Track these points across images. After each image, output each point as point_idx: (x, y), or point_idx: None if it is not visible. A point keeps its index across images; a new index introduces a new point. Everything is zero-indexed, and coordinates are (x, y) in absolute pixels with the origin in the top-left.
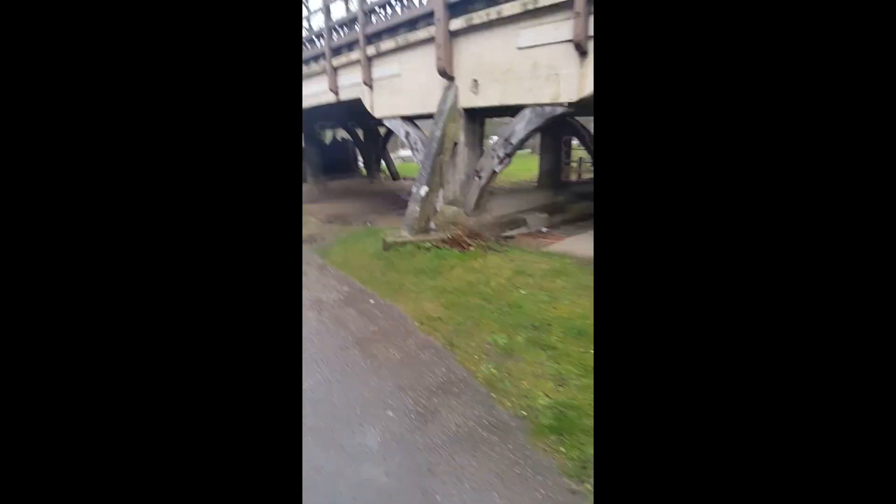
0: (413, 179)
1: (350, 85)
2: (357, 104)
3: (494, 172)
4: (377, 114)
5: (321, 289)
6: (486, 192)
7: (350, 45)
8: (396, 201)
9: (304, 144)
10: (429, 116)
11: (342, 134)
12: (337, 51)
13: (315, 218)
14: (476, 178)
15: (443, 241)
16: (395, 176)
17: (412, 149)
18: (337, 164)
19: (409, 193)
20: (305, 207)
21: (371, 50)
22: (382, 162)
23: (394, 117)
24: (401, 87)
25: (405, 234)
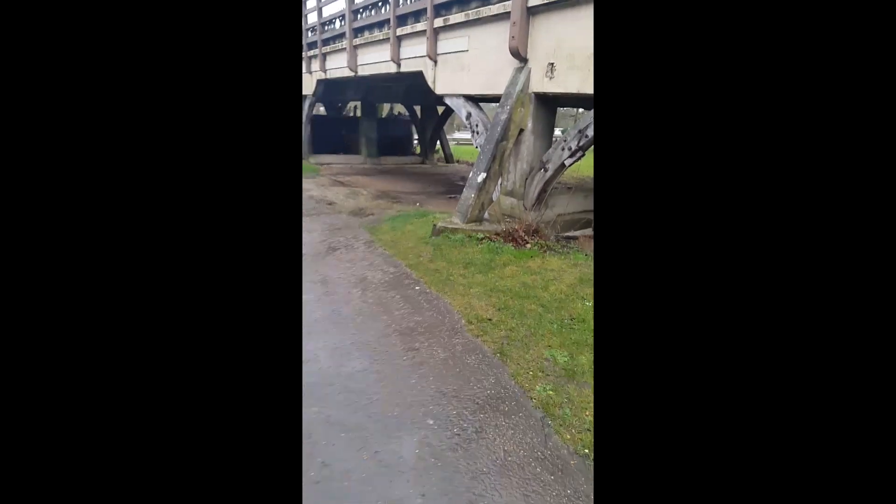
0: (466, 163)
1: (412, 57)
2: (418, 78)
3: (563, 166)
4: (439, 90)
5: (367, 267)
6: (551, 187)
7: (416, 15)
8: (448, 184)
9: (360, 117)
10: (494, 99)
11: (399, 108)
12: (402, 19)
13: (366, 191)
14: (541, 171)
15: (497, 233)
16: (448, 158)
17: (472, 131)
18: (392, 140)
19: (462, 177)
20: (358, 180)
21: (439, 22)
22: (438, 143)
23: (456, 96)
24: (467, 65)
25: (456, 221)
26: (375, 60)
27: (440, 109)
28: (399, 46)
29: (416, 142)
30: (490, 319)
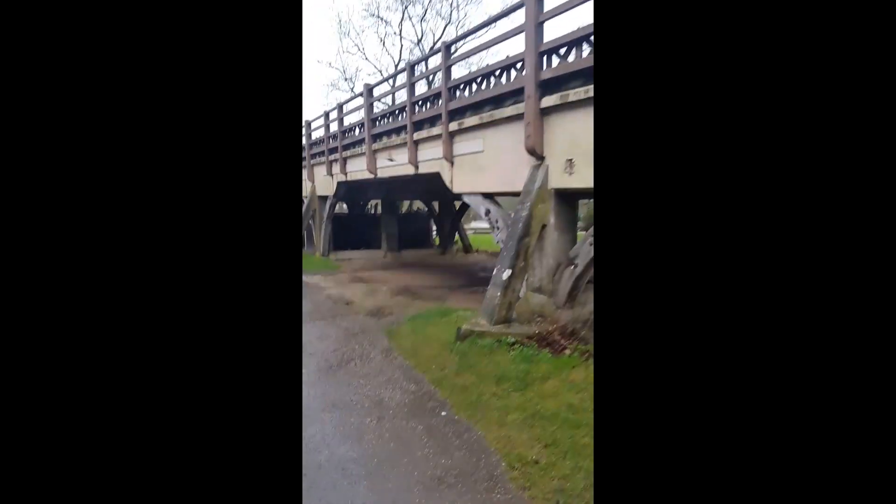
0: (486, 252)
1: (430, 159)
2: (435, 177)
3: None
4: (456, 189)
5: (384, 384)
6: (583, 283)
7: (432, 120)
8: (469, 276)
9: (380, 214)
10: (513, 194)
11: (418, 204)
12: (419, 125)
13: (386, 287)
14: (571, 266)
15: (528, 336)
16: (467, 248)
17: (492, 227)
18: (411, 234)
19: (483, 268)
20: (378, 275)
21: (453, 126)
22: (456, 234)
23: (474, 193)
24: (483, 164)
25: (483, 323)
26: (394, 163)
27: (457, 204)
28: (416, 150)
29: (434, 233)
30: (537, 462)
